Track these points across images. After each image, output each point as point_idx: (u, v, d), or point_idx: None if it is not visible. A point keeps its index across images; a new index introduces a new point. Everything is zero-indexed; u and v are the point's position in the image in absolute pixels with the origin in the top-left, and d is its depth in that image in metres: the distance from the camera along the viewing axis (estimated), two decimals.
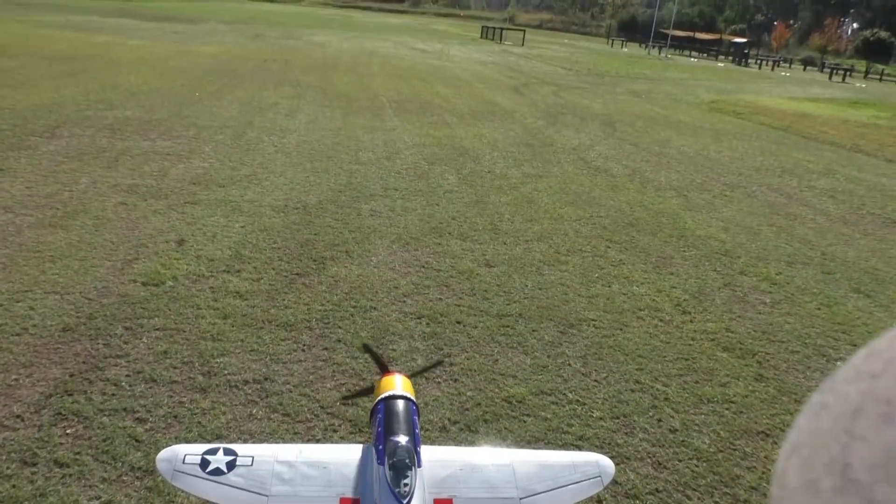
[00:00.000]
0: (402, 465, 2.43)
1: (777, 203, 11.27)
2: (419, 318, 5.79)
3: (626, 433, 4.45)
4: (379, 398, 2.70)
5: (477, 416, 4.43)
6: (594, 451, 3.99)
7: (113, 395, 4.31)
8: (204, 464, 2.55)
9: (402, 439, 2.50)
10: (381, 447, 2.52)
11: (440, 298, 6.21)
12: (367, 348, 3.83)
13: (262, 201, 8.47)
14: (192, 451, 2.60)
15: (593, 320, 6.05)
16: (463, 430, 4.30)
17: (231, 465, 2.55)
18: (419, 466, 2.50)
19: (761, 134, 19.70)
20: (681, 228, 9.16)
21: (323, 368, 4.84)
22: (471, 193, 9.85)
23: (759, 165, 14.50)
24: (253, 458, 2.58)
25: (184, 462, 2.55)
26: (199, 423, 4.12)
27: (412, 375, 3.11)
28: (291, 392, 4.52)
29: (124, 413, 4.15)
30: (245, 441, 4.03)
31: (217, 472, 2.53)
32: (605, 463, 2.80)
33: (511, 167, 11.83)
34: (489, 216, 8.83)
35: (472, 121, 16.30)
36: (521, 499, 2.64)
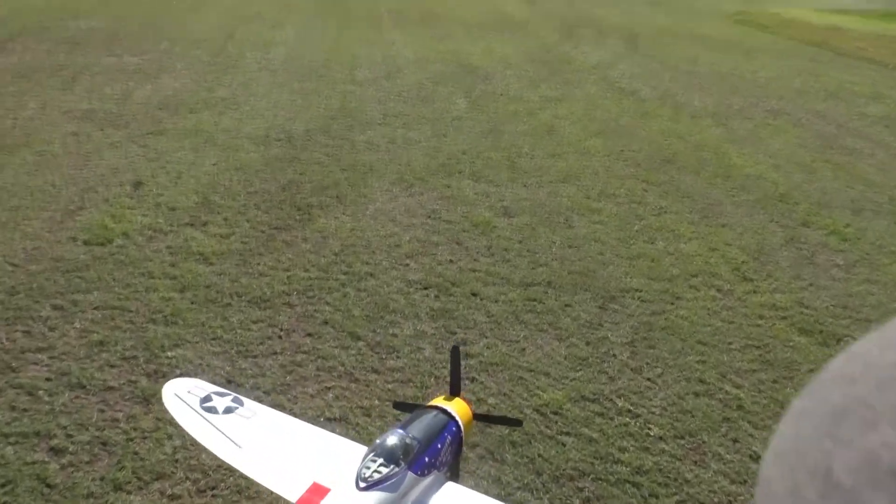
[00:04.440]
0: (385, 453, 2.17)
1: (828, 134, 9.98)
2: (426, 288, 4.69)
3: (694, 462, 3.43)
4: (423, 404, 2.57)
5: (502, 437, 3.40)
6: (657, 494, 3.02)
7: (25, 410, 3.27)
8: (205, 399, 2.55)
9: (407, 436, 2.25)
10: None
11: (451, 260, 5.10)
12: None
13: (240, 130, 7.23)
14: (202, 387, 2.62)
15: (638, 291, 4.95)
16: (485, 459, 3.28)
17: (229, 410, 2.52)
18: (413, 472, 2.23)
19: (795, 51, 18.04)
20: (726, 166, 7.94)
21: (304, 365, 3.79)
22: (483, 121, 8.57)
23: (800, 88, 13.06)
24: (255, 414, 2.55)
25: (188, 392, 2.58)
26: (136, 453, 3.09)
27: (478, 415, 2.77)
28: (260, 401, 3.46)
29: (36, 440, 3.12)
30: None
31: (212, 409, 2.52)
32: None
33: (527, 88, 10.46)
34: (505, 149, 7.59)
35: (481, 33, 14.72)
36: None
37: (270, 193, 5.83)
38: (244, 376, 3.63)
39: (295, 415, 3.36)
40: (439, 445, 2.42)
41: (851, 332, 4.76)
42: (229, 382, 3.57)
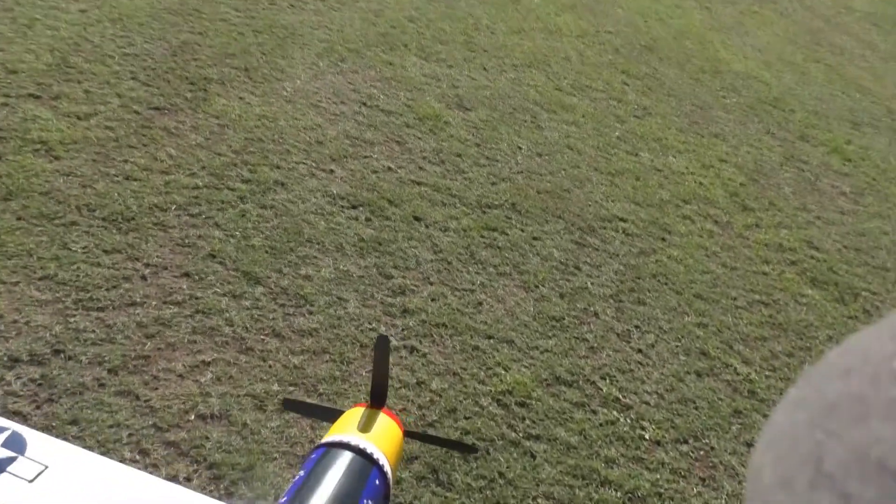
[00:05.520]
0: None
1: (816, 28, 8.93)
2: (354, 206, 3.56)
3: (702, 479, 2.59)
4: (323, 440, 1.36)
5: (449, 451, 2.45)
6: None
7: None
8: None
9: None
10: None
11: (389, 167, 3.94)
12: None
13: None
14: None
15: (622, 220, 3.97)
16: (425, 481, 2.33)
17: None
18: None
19: None
20: (713, 59, 6.84)
21: (174, 324, 2.67)
22: None
23: None
24: (46, 468, 1.33)
25: None
26: None
27: (412, 433, 1.63)
28: (100, 384, 2.37)
29: None
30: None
31: None
32: None
33: None
34: (461, 20, 6.23)
35: None
36: None
37: (155, 59, 4.42)
38: (80, 342, 2.50)
39: (152, 409, 2.31)
40: None
41: (869, 283, 3.96)
42: (57, 353, 2.44)
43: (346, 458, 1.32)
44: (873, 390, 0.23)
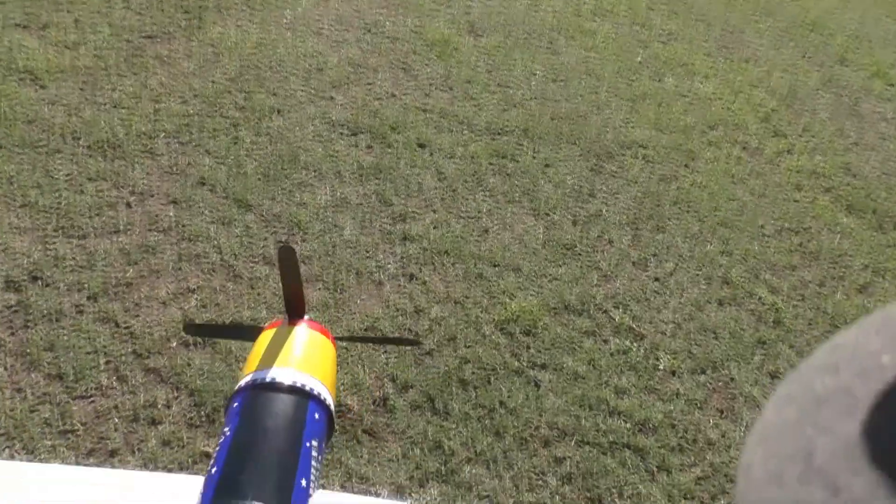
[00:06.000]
0: None
1: None
2: (355, 133, 3.37)
3: (720, 411, 2.40)
4: (241, 382, 0.97)
5: (448, 372, 2.30)
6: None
7: None
8: None
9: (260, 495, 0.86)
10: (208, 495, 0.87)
11: (393, 94, 3.73)
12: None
13: None
14: None
15: (642, 146, 3.71)
16: (421, 409, 2.19)
17: None
18: None
19: None
20: None
21: (159, 251, 2.54)
22: None
23: None
24: None
25: None
26: None
27: (343, 338, 1.49)
28: (79, 310, 2.26)
29: None
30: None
31: None
32: None
33: None
34: None
35: None
36: None
37: None
38: (60, 269, 2.38)
39: (132, 336, 2.20)
40: (310, 475, 1.05)
41: None
42: (35, 280, 2.33)
43: (273, 400, 0.98)
44: (862, 384, 0.23)
